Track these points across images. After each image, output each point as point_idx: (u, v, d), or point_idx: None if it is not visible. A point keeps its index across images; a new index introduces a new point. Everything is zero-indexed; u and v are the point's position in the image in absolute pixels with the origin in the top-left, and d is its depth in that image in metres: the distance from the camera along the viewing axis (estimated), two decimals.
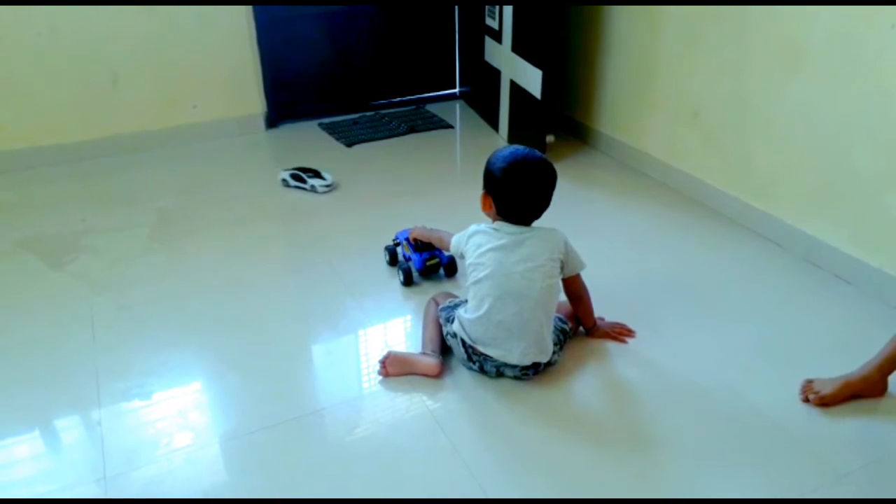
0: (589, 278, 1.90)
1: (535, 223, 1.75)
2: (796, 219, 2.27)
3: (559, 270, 1.73)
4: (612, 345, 1.88)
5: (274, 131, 3.46)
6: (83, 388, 1.73)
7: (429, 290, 2.05)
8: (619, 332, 1.90)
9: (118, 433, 1.60)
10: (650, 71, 2.79)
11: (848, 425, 1.59)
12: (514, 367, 1.70)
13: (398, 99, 3.81)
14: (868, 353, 1.79)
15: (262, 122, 3.43)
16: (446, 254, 2.11)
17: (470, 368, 1.77)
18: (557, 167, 2.97)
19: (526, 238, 1.69)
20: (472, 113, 3.69)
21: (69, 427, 1.65)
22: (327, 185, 2.60)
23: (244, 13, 3.17)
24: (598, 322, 1.91)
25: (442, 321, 1.82)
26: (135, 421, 1.65)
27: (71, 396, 1.71)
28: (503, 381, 1.75)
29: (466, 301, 1.77)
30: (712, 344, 1.88)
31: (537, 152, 1.74)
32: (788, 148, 2.26)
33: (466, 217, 2.59)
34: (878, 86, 1.94)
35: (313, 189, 2.59)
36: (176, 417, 1.65)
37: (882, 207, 2.00)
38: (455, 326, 1.75)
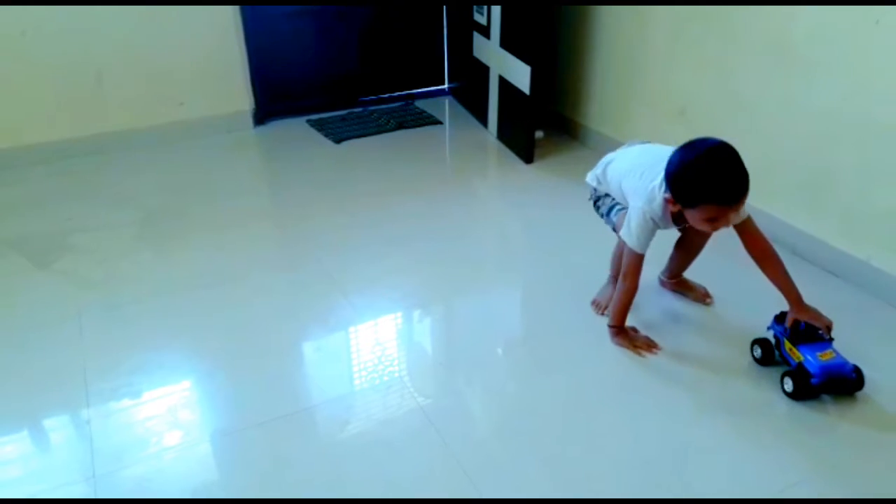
0: (579, 274, 1.91)
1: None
2: (784, 213, 2.29)
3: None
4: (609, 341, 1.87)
5: (262, 128, 3.44)
6: (71, 387, 1.71)
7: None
8: (641, 346, 1.83)
9: (107, 432, 1.59)
10: (637, 67, 2.79)
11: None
12: None
13: (387, 95, 3.79)
14: (857, 345, 1.81)
15: (249, 120, 3.41)
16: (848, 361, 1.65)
17: None
18: (546, 163, 2.98)
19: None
20: (460, 109, 3.69)
21: (58, 426, 1.64)
22: None
23: (231, 9, 3.15)
24: (630, 330, 1.86)
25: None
26: (124, 420, 1.64)
27: (59, 396, 1.70)
28: (491, 376, 1.76)
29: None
30: (703, 339, 1.88)
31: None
32: (775, 143, 2.27)
33: (455, 212, 2.61)
34: (864, 80, 1.95)
35: None
36: (165, 416, 1.64)
37: (868, 201, 2.02)
38: None
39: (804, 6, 2.06)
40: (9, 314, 2.02)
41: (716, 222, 1.61)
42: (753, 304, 1.87)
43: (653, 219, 1.69)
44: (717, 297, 2.02)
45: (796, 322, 1.69)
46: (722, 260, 1.95)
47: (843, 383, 1.62)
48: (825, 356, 1.61)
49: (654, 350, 1.82)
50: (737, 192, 1.54)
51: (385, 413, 1.66)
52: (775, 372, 1.71)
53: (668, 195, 1.63)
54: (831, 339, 1.67)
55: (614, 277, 1.98)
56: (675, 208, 1.64)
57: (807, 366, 1.62)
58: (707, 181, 1.55)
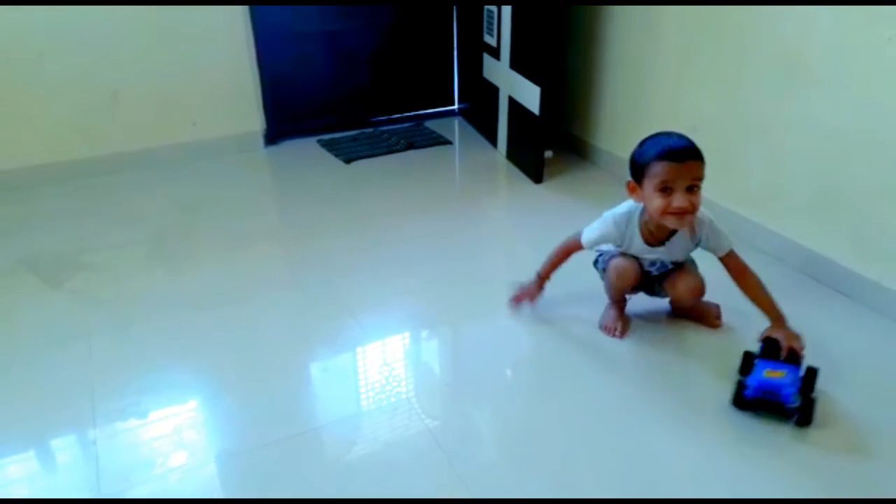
0: (588, 295, 1.89)
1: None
2: (794, 232, 2.27)
3: None
4: (617, 356, 1.87)
5: (273, 148, 3.47)
6: (79, 406, 1.72)
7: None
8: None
9: (113, 452, 1.59)
10: (648, 85, 2.80)
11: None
12: None
13: (397, 115, 3.82)
14: (867, 365, 1.80)
15: (261, 140, 3.44)
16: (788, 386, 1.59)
17: None
18: (556, 183, 2.99)
19: None
20: (470, 129, 3.70)
21: (64, 446, 1.63)
22: None
23: (244, 31, 3.19)
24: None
25: None
26: (130, 440, 1.64)
27: (66, 415, 1.70)
28: (500, 398, 1.75)
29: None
30: (707, 356, 1.86)
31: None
32: (786, 161, 2.26)
33: (465, 232, 2.61)
34: (875, 99, 1.95)
35: None
36: (172, 436, 1.64)
37: (879, 220, 2.00)
38: None
39: (815, 25, 2.06)
40: (19, 332, 2.04)
41: (669, 194, 1.66)
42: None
43: (616, 223, 1.83)
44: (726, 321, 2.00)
45: (772, 339, 1.70)
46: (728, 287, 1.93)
47: (776, 406, 1.59)
48: (773, 374, 1.60)
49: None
50: (682, 148, 1.66)
51: (392, 434, 1.65)
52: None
53: (629, 181, 1.76)
54: (793, 363, 1.63)
55: (615, 302, 2.00)
56: (636, 195, 1.76)
57: (749, 378, 1.63)
58: (653, 142, 1.71)
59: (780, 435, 1.59)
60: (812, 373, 1.64)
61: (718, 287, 1.91)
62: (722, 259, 1.81)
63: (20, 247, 2.52)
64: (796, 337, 1.69)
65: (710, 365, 1.84)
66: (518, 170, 3.15)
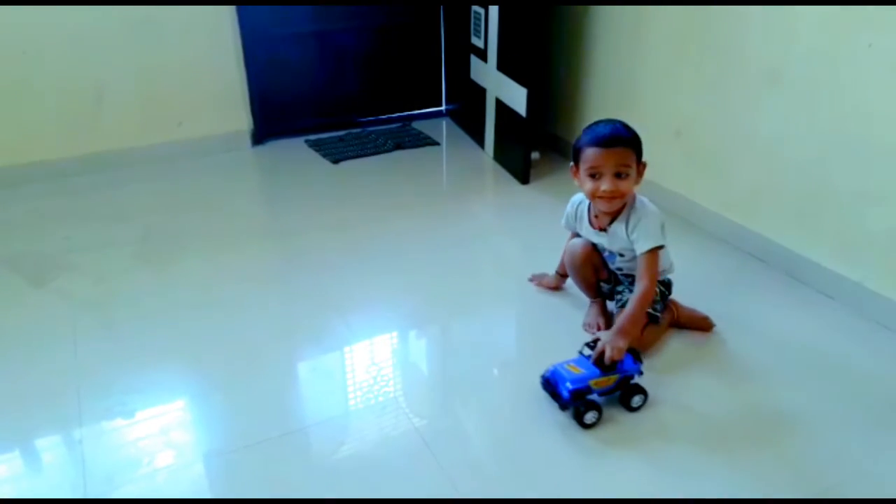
0: (575, 295, 1.90)
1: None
2: (777, 234, 2.30)
3: None
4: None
5: (260, 148, 3.46)
6: (64, 406, 1.71)
7: None
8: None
9: (99, 452, 1.58)
10: (633, 88, 2.82)
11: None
12: None
13: (385, 116, 3.82)
14: (849, 367, 1.82)
15: (248, 139, 3.43)
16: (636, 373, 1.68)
17: None
18: (542, 184, 2.99)
19: None
20: (458, 130, 3.71)
21: (50, 446, 1.63)
22: None
23: (230, 30, 3.18)
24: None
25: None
26: (116, 440, 1.63)
27: (52, 415, 1.69)
28: (487, 397, 1.76)
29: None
30: (697, 359, 1.88)
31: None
32: (769, 164, 2.29)
33: (452, 232, 2.62)
34: (857, 103, 1.98)
35: None
36: (158, 436, 1.64)
37: (861, 222, 2.03)
38: None
39: (797, 30, 2.09)
40: (3, 333, 2.02)
41: (597, 181, 1.73)
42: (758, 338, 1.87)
43: (573, 202, 1.96)
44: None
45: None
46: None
47: (555, 395, 1.66)
48: (572, 368, 1.65)
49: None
50: (611, 135, 1.72)
51: (380, 434, 1.65)
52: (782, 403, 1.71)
53: (571, 165, 1.82)
54: (602, 369, 1.63)
55: (590, 296, 2.04)
56: (576, 177, 1.81)
57: (555, 364, 1.69)
58: (590, 128, 1.78)
59: (757, 433, 1.62)
60: (633, 389, 1.67)
61: (712, 289, 1.93)
62: (639, 256, 1.79)
63: (3, 246, 2.50)
64: (615, 348, 1.63)
65: (683, 364, 1.86)
66: (505, 171, 3.16)
